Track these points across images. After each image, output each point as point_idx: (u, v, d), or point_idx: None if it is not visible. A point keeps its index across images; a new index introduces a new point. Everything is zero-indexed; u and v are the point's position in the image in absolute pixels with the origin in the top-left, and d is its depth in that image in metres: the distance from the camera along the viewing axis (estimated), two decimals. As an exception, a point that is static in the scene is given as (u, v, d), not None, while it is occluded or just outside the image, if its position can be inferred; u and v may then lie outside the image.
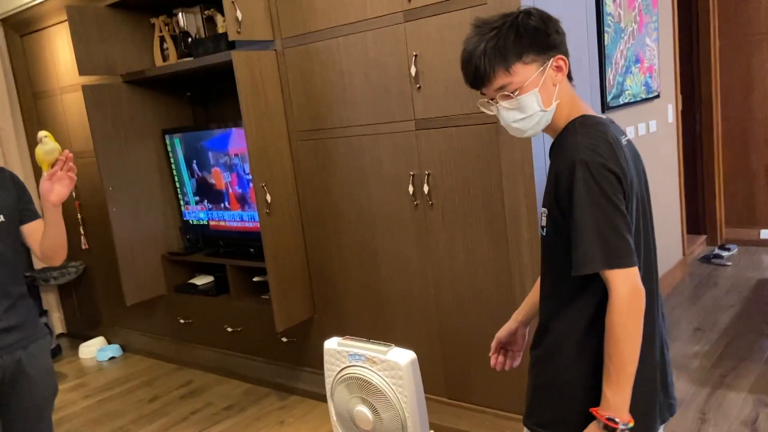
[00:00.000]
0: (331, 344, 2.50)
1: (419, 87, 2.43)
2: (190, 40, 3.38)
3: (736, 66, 4.65)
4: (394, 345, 2.32)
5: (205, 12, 3.38)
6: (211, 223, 3.64)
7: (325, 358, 2.52)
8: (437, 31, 2.33)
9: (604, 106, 3.07)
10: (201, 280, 3.77)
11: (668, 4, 3.99)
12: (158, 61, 3.54)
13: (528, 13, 1.30)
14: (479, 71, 1.29)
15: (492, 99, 1.33)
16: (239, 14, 2.66)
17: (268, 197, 2.82)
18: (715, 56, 4.67)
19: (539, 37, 1.29)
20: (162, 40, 3.52)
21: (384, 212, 2.67)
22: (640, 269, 1.26)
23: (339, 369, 2.47)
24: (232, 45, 3.06)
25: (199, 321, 3.68)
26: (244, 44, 2.82)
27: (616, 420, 1.22)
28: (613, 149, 1.26)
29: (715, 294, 3.91)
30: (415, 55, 2.40)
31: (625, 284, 1.21)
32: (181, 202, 3.76)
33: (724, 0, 4.60)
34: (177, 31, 3.48)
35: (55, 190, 1.80)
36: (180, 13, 3.39)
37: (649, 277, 1.35)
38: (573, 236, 1.25)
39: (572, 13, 2.65)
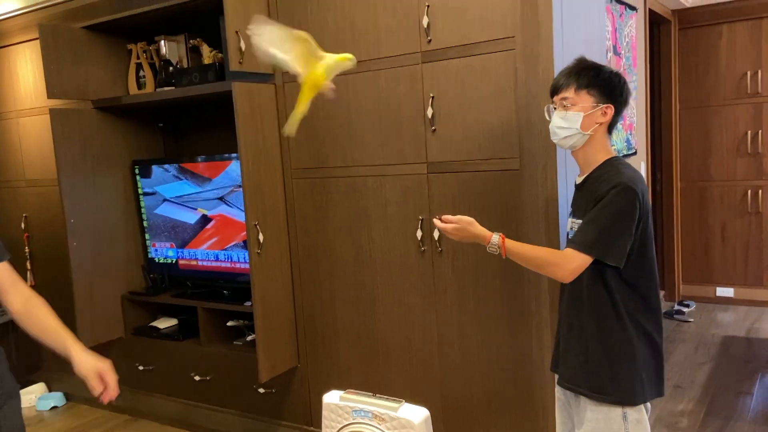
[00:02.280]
0: (332, 398, 2.32)
1: (434, 129, 2.36)
2: (171, 68, 3.21)
3: (695, 131, 4.88)
4: (404, 401, 2.18)
5: (190, 42, 3.23)
6: (181, 261, 3.40)
7: (324, 413, 2.34)
8: (458, 74, 2.28)
9: (597, 160, 3.10)
10: (164, 323, 3.49)
11: (642, 66, 4.16)
12: (133, 89, 3.35)
13: (615, 71, 1.73)
14: (560, 81, 1.73)
15: (554, 107, 1.74)
16: (243, 45, 2.54)
17: (261, 236, 2.64)
18: (675, 121, 4.89)
19: (608, 86, 1.71)
20: (139, 67, 3.34)
21: (386, 257, 2.55)
22: (651, 282, 1.70)
23: (340, 426, 2.29)
24: (221, 76, 2.93)
25: (161, 368, 3.38)
26: (241, 76, 2.68)
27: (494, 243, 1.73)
28: (643, 185, 1.66)
29: (686, 350, 3.97)
30: (432, 97, 2.34)
31: (578, 263, 1.63)
32: (148, 238, 3.50)
33: (684, 69, 4.86)
34: (156, 59, 3.31)
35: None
36: (162, 41, 3.23)
37: (647, 294, 1.70)
38: (582, 223, 1.66)
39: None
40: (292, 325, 2.83)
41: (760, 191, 4.69)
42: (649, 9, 4.23)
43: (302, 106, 1.69)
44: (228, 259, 3.18)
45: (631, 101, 3.79)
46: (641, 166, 4.14)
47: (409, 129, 2.42)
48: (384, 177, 2.51)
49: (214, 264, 3.25)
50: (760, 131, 4.64)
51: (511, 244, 1.71)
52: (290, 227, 2.79)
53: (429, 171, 2.40)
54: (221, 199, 3.15)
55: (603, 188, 1.63)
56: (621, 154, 3.56)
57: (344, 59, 1.74)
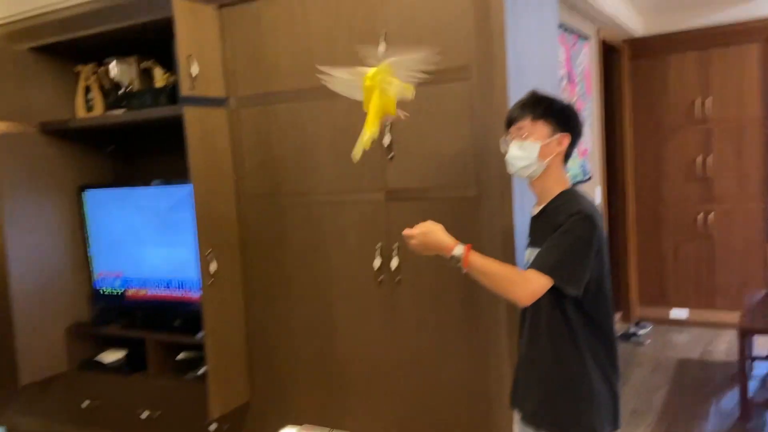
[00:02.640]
0: (288, 435, 2.23)
1: (392, 157, 2.32)
2: (121, 91, 3.11)
3: (648, 156, 4.99)
4: (362, 436, 2.10)
5: (142, 64, 3.15)
6: (128, 291, 3.26)
7: (280, 451, 2.24)
8: (415, 99, 2.25)
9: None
10: (111, 356, 3.34)
11: (596, 93, 4.24)
12: (81, 112, 3.23)
13: (567, 103, 1.80)
14: (515, 113, 1.76)
15: (510, 138, 1.75)
16: (195, 69, 2.47)
17: (213, 266, 2.55)
18: (629, 146, 4.99)
19: (562, 116, 1.75)
20: (87, 89, 3.23)
21: (344, 286, 2.49)
22: (608, 316, 1.71)
23: (296, 464, 2.20)
24: (173, 99, 2.85)
25: (108, 404, 3.22)
26: (191, 100, 2.60)
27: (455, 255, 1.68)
28: (600, 216, 1.68)
29: (642, 374, 4.00)
30: (389, 124, 2.31)
31: (538, 286, 1.60)
32: (94, 267, 3.36)
33: (637, 96, 4.98)
34: (106, 80, 3.21)
35: None
36: (112, 63, 3.13)
37: (604, 326, 1.71)
38: (543, 248, 1.65)
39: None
40: (245, 358, 2.74)
41: (711, 214, 4.81)
42: (602, 39, 4.33)
43: (370, 128, 1.73)
44: (180, 287, 3.07)
45: (587, 129, 3.85)
46: (597, 190, 4.20)
47: (367, 156, 2.36)
48: (342, 204, 2.46)
49: (165, 293, 3.13)
50: (709, 156, 4.77)
51: (474, 257, 1.66)
52: (244, 256, 2.70)
53: (387, 199, 2.36)
54: (172, 225, 3.04)
55: (562, 216, 1.64)
56: (577, 180, 3.60)
57: (408, 89, 1.79)
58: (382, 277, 2.40)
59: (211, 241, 2.55)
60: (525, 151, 1.71)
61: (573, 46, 3.55)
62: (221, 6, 2.59)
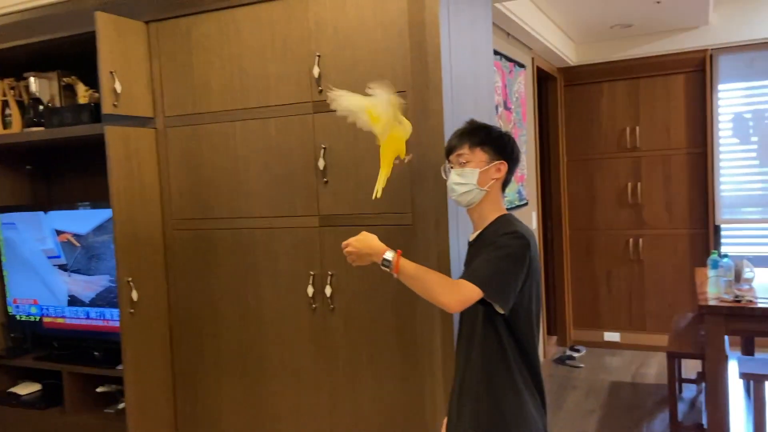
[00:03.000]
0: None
1: (326, 181, 2.26)
2: (41, 108, 2.94)
3: (581, 182, 5.11)
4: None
5: (64, 79, 2.99)
6: (45, 319, 3.05)
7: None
8: (350, 126, 2.19)
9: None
10: (25, 389, 3.10)
11: (531, 120, 4.31)
12: (-3, 128, 3.03)
13: (504, 131, 1.83)
14: (454, 141, 1.79)
15: (450, 166, 1.79)
16: (118, 86, 2.35)
17: (134, 294, 2.41)
18: (563, 172, 5.11)
19: (499, 144, 1.78)
20: (5, 104, 3.03)
21: (275, 315, 2.39)
22: (533, 344, 1.70)
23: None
24: (97, 117, 2.70)
25: (19, 442, 2.98)
26: (117, 118, 2.47)
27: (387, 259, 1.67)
28: (535, 241, 1.71)
29: (577, 398, 4.03)
30: (324, 148, 2.25)
31: (468, 294, 1.59)
32: (8, 293, 3.13)
33: (570, 123, 5.11)
34: (25, 96, 3.03)
35: None
36: (32, 78, 2.96)
37: (533, 353, 1.71)
38: (476, 262, 1.66)
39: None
40: (170, 393, 2.58)
41: (641, 240, 4.95)
42: (537, 67, 4.42)
43: (386, 168, 1.83)
44: (100, 316, 2.89)
45: (523, 156, 3.90)
46: (533, 215, 4.25)
47: (301, 180, 2.31)
48: (273, 230, 2.37)
49: (84, 322, 2.94)
50: (639, 183, 4.93)
51: (405, 262, 1.66)
52: (170, 284, 2.57)
53: (321, 224, 2.29)
54: (94, 250, 2.87)
55: (497, 236, 1.68)
56: (513, 206, 3.62)
57: (409, 127, 1.89)
58: (315, 305, 2.31)
59: (132, 268, 2.40)
60: (465, 178, 1.74)
61: (509, 74, 3.60)
62: (149, 21, 2.49)
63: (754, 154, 4.67)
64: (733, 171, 4.72)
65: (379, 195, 1.83)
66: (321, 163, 2.25)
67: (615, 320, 5.08)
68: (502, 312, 1.64)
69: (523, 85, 3.93)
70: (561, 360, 4.77)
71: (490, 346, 1.69)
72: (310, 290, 2.30)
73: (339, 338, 2.29)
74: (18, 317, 3.12)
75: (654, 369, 4.54)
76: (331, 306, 2.28)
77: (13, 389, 3.10)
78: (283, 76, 2.30)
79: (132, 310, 2.40)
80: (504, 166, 1.77)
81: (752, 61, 4.60)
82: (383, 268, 1.67)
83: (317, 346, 2.33)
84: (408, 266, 1.65)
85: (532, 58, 4.31)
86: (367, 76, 2.15)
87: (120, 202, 2.37)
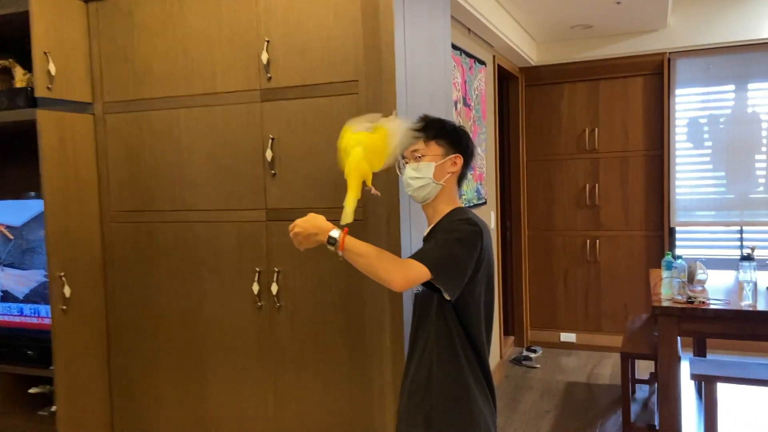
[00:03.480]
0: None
1: (274, 174, 2.16)
2: (-26, 90, 2.75)
3: (540, 182, 5.11)
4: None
5: (0, 62, 2.80)
6: (-24, 316, 2.86)
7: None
8: (300, 115, 2.11)
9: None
10: (-49, 392, 2.91)
11: (492, 118, 4.27)
12: (-75, 111, 2.83)
13: (458, 125, 1.78)
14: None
15: (406, 162, 1.74)
16: (52, 68, 2.20)
17: (67, 290, 2.26)
18: (523, 172, 5.09)
19: (454, 137, 1.75)
20: (-67, 86, 2.84)
21: (219, 314, 2.28)
22: (485, 342, 1.70)
23: None
24: (34, 102, 2.54)
25: (-58, 447, 2.79)
26: (51, 103, 2.33)
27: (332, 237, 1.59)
28: (489, 235, 1.67)
29: (532, 399, 4.01)
30: (273, 139, 2.14)
31: (415, 273, 1.53)
32: (-65, 289, 2.93)
33: (531, 123, 5.10)
34: (-43, 78, 2.84)
35: None
36: (-37, 58, 2.77)
37: (484, 350, 1.69)
38: (426, 244, 1.66)
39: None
40: (105, 395, 2.44)
41: (598, 241, 4.97)
42: (498, 65, 4.38)
43: (353, 193, 1.68)
44: (34, 313, 2.72)
45: (481, 152, 3.85)
46: (491, 215, 4.21)
47: (248, 172, 2.20)
48: (218, 223, 2.25)
49: (18, 319, 2.76)
50: (597, 185, 4.95)
51: (351, 240, 1.59)
52: (108, 279, 2.43)
53: (268, 218, 2.19)
54: (27, 243, 2.70)
55: (449, 223, 1.67)
56: (471, 204, 3.57)
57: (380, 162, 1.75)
58: (261, 303, 2.21)
59: (65, 262, 2.26)
60: (421, 172, 1.71)
61: (470, 70, 3.54)
62: (88, 0, 2.34)
63: (707, 158, 4.73)
64: (688, 174, 4.78)
65: (349, 220, 1.65)
66: (269, 155, 2.15)
67: (571, 321, 5.09)
68: (448, 299, 1.61)
69: (483, 82, 3.88)
70: (518, 360, 4.75)
71: (440, 340, 1.66)
72: (256, 288, 2.20)
73: (285, 338, 2.19)
74: (-55, 314, 2.93)
75: (608, 369, 4.56)
76: (278, 304, 2.18)
77: (-61, 390, 2.90)
78: (230, 62, 2.19)
79: (64, 307, 2.26)
80: (460, 160, 1.75)
81: (708, 66, 4.66)
82: (329, 246, 1.60)
83: (262, 346, 2.22)
84: (354, 243, 1.59)
85: (494, 56, 4.27)
86: (318, 63, 2.06)
87: (53, 193, 2.22)
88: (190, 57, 2.24)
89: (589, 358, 4.85)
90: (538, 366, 4.67)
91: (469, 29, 3.69)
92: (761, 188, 4.60)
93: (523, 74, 5.05)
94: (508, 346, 4.98)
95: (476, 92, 3.69)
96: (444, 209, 1.74)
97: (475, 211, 3.85)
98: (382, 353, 2.05)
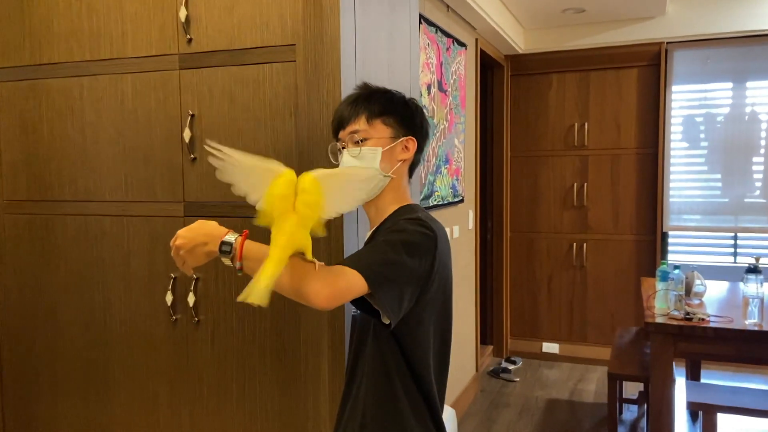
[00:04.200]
0: None
1: (194, 158, 1.76)
2: None
3: (524, 180, 4.74)
4: None
5: None
6: None
7: None
8: (225, 86, 1.71)
9: (415, 207, 2.68)
10: None
11: (472, 108, 3.89)
12: None
13: (407, 97, 1.38)
14: (345, 113, 1.33)
15: (342, 146, 1.35)
16: (-73, 20, 1.79)
17: (-57, 295, 1.85)
18: (506, 168, 4.72)
19: (405, 113, 1.35)
20: None
21: (127, 328, 1.87)
22: (435, 384, 1.29)
23: None
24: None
25: None
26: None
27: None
28: (445, 238, 1.28)
29: (509, 417, 3.64)
30: (192, 115, 1.74)
31: (346, 284, 1.10)
32: None
33: (516, 116, 4.72)
34: None
35: None
36: None
37: (433, 396, 1.29)
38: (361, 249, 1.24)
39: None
40: (-8, 419, 2.04)
41: (585, 245, 4.61)
42: (481, 50, 4.00)
43: (273, 267, 1.05)
44: None
45: (459, 144, 3.47)
46: (470, 214, 3.84)
47: (162, 156, 1.80)
48: (126, 218, 1.85)
49: None
50: (585, 184, 4.59)
51: (252, 246, 1.13)
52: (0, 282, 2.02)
53: (186, 213, 1.79)
54: None
55: (394, 223, 1.26)
56: (446, 202, 3.19)
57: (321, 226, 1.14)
58: (176, 317, 1.81)
59: (-61, 260, 1.85)
60: (363, 161, 1.31)
61: (447, 51, 3.16)
62: (-24, -58, 1.93)
63: (702, 159, 4.38)
64: (682, 176, 4.43)
65: (254, 301, 1.02)
66: (187, 134, 1.74)
67: (554, 330, 4.73)
68: (387, 323, 1.19)
69: (463, 66, 3.50)
70: (495, 372, 4.39)
71: (377, 379, 1.27)
72: (169, 297, 1.80)
73: (204, 360, 1.79)
74: None
75: (593, 385, 4.21)
76: (195, 318, 1.78)
77: None
78: (143, 19, 1.78)
79: (-64, 316, 1.84)
80: (413, 143, 1.36)
81: (707, 59, 4.31)
82: (223, 258, 1.15)
83: (178, 369, 1.82)
84: (257, 250, 1.12)
85: (476, 39, 3.88)
86: (248, 22, 1.67)
87: None
88: (95, 12, 1.83)
89: (572, 371, 4.49)
90: (517, 380, 4.30)
91: (448, 6, 3.30)
92: (758, 192, 4.26)
93: (508, 62, 4.67)
94: (486, 356, 4.61)
95: (454, 77, 3.30)
96: (390, 207, 1.34)
97: (450, 210, 3.49)
98: (319, 385, 1.66)
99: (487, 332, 4.78)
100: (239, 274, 1.15)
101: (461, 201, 3.51)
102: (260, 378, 1.74)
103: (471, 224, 3.87)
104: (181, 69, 1.76)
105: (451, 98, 3.23)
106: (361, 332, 1.32)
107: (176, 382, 1.83)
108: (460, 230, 3.56)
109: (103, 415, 1.93)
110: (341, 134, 1.34)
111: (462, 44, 3.46)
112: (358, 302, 1.20)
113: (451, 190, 3.27)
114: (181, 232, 1.20)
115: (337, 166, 1.37)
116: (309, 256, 1.13)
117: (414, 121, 1.35)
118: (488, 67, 4.55)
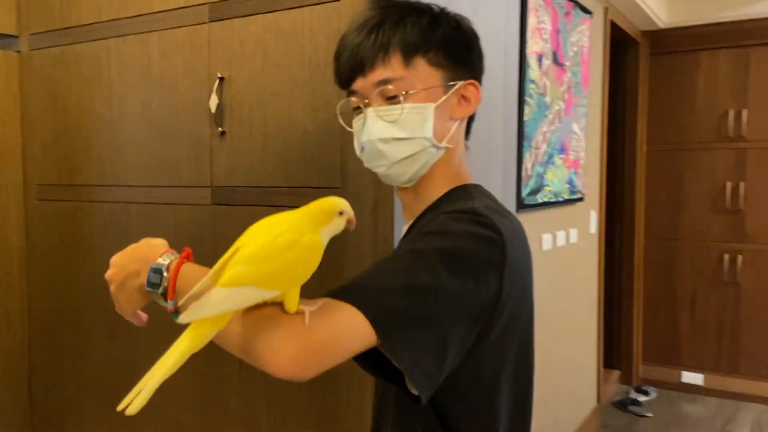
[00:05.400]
0: None
1: (222, 132, 1.42)
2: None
3: (664, 178, 4.03)
4: None
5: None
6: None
7: None
8: (258, 40, 1.36)
9: (518, 204, 2.20)
10: None
11: (598, 87, 3.30)
12: None
13: (459, 15, 0.89)
14: (363, 48, 0.83)
15: (363, 104, 0.86)
16: (-47, -18, 1.60)
17: (-34, 289, 1.66)
18: (641, 163, 4.04)
19: (458, 43, 0.87)
20: None
21: (154, 328, 1.58)
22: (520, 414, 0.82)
23: None
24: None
25: None
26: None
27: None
28: (523, 242, 0.81)
29: (637, 462, 3.02)
30: (220, 78, 1.41)
31: (326, 337, 0.68)
32: None
33: (654, 102, 4.03)
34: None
35: None
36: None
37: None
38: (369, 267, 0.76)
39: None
40: (25, 412, 1.83)
41: (739, 257, 3.82)
42: (612, 22, 3.39)
43: (166, 366, 0.73)
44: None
45: (579, 131, 2.90)
46: (592, 216, 3.25)
47: (188, 130, 1.48)
48: (152, 206, 1.56)
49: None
50: (742, 183, 3.80)
51: (191, 269, 0.76)
52: (30, 275, 1.81)
53: (214, 201, 1.45)
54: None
55: (436, 215, 0.82)
56: (561, 199, 2.65)
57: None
58: (203, 326, 1.48)
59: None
60: (404, 128, 0.83)
61: (565, 17, 2.62)
62: None
63: None
64: None
65: (131, 411, 0.67)
66: (213, 102, 1.41)
67: (698, 357, 3.97)
68: (416, 393, 0.72)
69: (587, 37, 2.93)
70: (623, 404, 3.73)
71: None
72: (193, 303, 1.47)
73: (237, 364, 1.46)
74: None
75: (747, 428, 3.44)
76: (222, 331, 1.44)
77: None
78: (170, -36, 1.47)
79: (-42, 310, 1.66)
80: (475, 91, 0.89)
81: None
82: (148, 290, 0.77)
83: (208, 360, 1.51)
84: (197, 277, 0.71)
85: (606, 8, 3.29)
86: (280, -47, 1.30)
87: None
88: (121, -39, 1.55)
89: (720, 408, 3.73)
90: (650, 415, 3.62)
91: (569, -34, 2.76)
92: None
93: (647, 39, 3.99)
94: (611, 383, 3.95)
95: (575, 49, 2.76)
96: (437, 190, 0.88)
97: (565, 209, 2.93)
98: (362, 421, 1.26)
99: (613, 355, 4.12)
100: (176, 321, 0.73)
101: (580, 199, 2.94)
102: (296, 414, 1.36)
103: (594, 227, 3.28)
104: (210, 22, 1.42)
105: (569, 74, 2.69)
106: (382, 401, 0.88)
107: (208, 384, 1.51)
108: (578, 234, 3.00)
109: (128, 428, 1.65)
110: (358, 84, 0.86)
111: (587, 11, 2.90)
112: (363, 357, 0.74)
113: (567, 186, 2.73)
114: (114, 258, 0.83)
115: (351, 134, 0.93)
116: (292, 307, 0.71)
117: (472, 54, 0.89)
118: (621, 45, 3.91)
